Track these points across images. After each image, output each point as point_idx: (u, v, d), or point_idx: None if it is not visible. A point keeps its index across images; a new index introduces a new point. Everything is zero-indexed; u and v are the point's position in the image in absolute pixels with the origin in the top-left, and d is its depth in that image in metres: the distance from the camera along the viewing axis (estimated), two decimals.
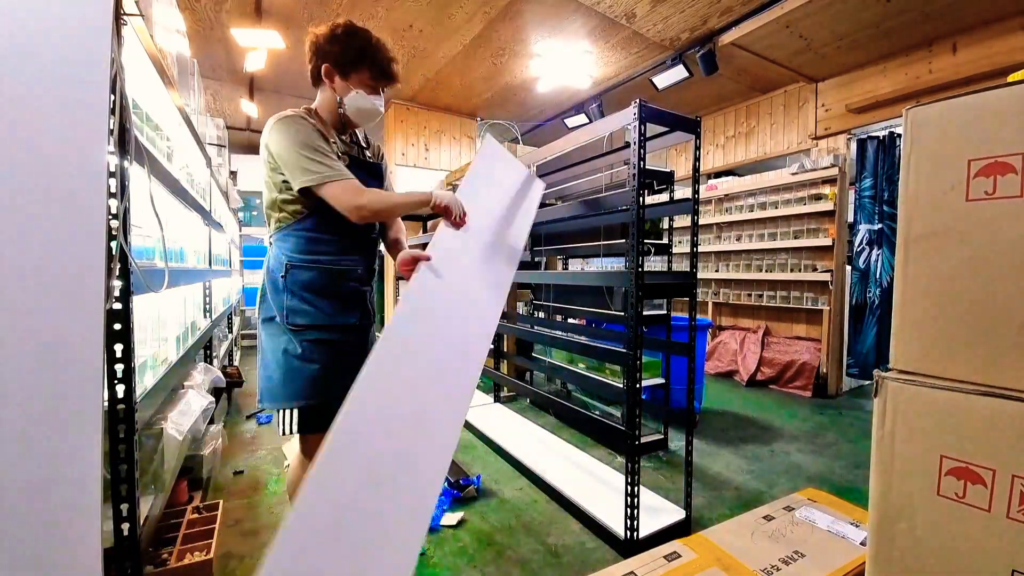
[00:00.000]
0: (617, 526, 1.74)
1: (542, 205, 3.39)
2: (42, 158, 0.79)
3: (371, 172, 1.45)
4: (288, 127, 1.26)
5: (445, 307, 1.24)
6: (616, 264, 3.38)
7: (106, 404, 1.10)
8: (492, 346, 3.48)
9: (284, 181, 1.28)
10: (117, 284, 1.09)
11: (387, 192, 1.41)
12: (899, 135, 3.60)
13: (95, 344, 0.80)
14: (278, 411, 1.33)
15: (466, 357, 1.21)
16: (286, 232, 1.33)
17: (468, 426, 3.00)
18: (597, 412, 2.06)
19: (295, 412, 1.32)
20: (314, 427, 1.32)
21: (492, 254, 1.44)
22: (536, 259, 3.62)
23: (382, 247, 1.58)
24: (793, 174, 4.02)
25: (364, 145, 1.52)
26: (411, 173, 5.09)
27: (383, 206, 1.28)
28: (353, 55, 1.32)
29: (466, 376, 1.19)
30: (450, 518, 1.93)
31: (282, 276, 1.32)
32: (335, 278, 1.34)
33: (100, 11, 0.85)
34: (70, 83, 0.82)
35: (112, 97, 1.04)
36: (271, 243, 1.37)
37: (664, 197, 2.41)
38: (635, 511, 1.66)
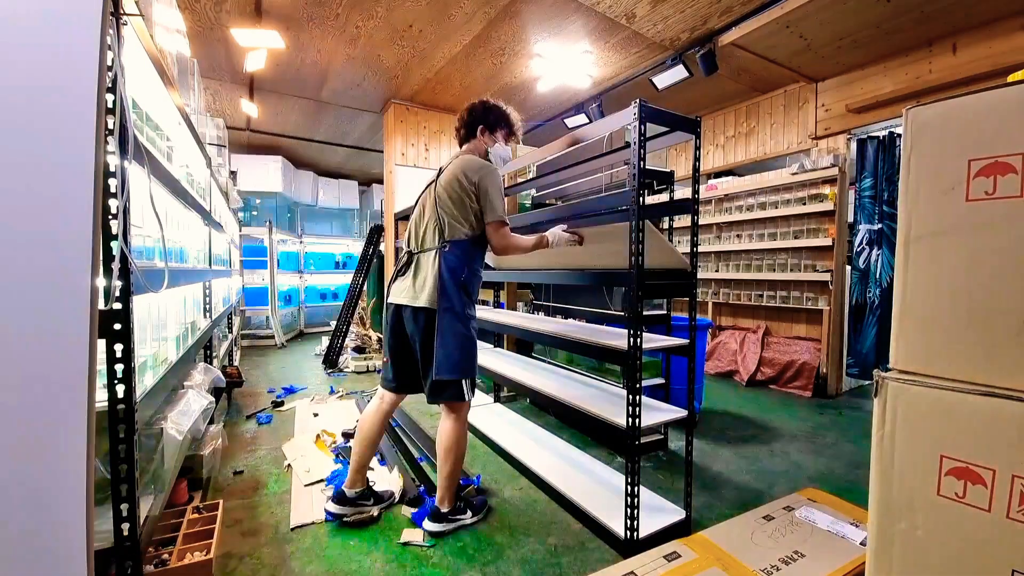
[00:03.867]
0: (617, 526, 1.74)
1: (542, 205, 3.41)
2: (32, 157, 0.79)
3: None
4: (496, 175, 1.84)
5: None
6: None
7: (106, 404, 1.10)
8: (491, 345, 3.50)
9: (479, 208, 1.81)
10: (117, 284, 1.09)
11: (522, 237, 1.93)
12: (899, 135, 3.60)
13: (82, 344, 0.80)
14: (461, 380, 1.79)
15: None
16: (467, 243, 1.82)
17: (468, 426, 2.99)
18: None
19: (470, 381, 1.83)
20: (475, 390, 1.89)
21: None
22: None
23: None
24: (793, 174, 4.02)
25: None
26: (411, 173, 5.09)
27: (521, 249, 1.90)
28: (499, 119, 1.97)
29: None
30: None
31: (464, 277, 1.80)
32: (480, 281, 1.94)
33: (90, 8, 0.84)
34: (59, 80, 0.81)
35: (112, 97, 1.04)
36: (447, 247, 1.79)
37: (664, 197, 2.41)
38: (635, 511, 1.66)
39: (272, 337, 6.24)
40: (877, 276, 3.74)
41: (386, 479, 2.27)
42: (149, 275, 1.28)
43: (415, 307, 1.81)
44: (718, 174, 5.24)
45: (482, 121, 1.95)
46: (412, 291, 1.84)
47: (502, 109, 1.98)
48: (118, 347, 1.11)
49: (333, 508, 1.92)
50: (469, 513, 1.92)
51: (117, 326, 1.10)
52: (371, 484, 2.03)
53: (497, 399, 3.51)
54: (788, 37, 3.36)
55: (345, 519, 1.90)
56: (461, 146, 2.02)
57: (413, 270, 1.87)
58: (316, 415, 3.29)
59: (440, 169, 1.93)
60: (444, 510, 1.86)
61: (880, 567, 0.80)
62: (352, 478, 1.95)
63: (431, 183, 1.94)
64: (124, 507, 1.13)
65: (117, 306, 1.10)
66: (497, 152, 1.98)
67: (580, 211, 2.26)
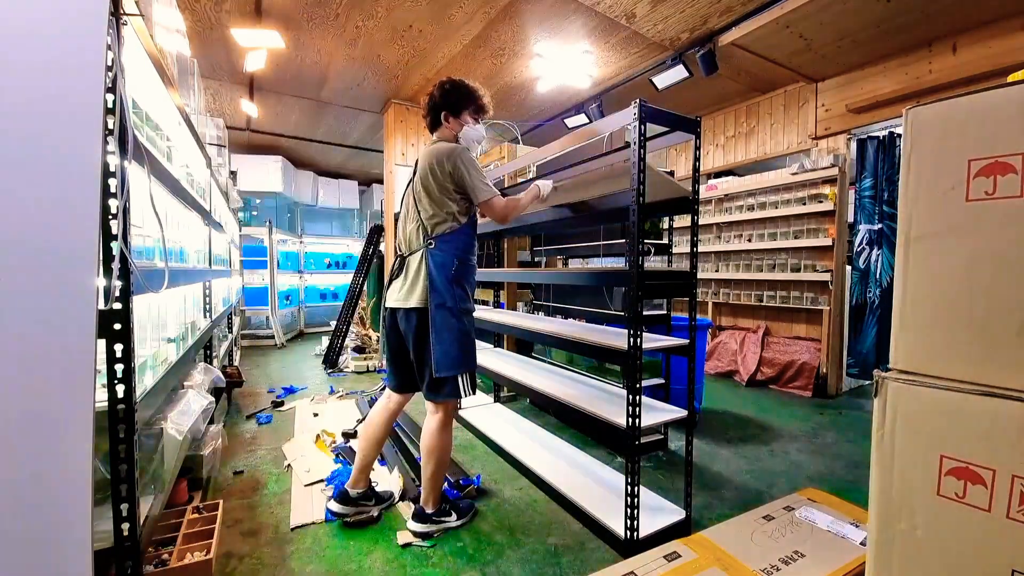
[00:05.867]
0: (617, 526, 1.74)
1: None
2: (34, 157, 0.79)
3: None
4: (467, 155, 1.78)
5: None
6: (616, 264, 3.38)
7: (106, 404, 1.10)
8: (491, 345, 3.50)
9: (461, 195, 1.79)
10: (117, 284, 1.09)
11: (515, 197, 1.92)
12: (899, 135, 3.60)
13: (86, 344, 0.80)
14: (459, 376, 1.78)
15: None
16: (454, 235, 1.80)
17: (468, 426, 2.99)
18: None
19: (468, 376, 1.82)
20: (475, 388, 1.90)
21: None
22: (536, 259, 3.62)
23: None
24: (793, 174, 4.02)
25: None
26: (411, 173, 5.09)
27: (519, 209, 1.90)
28: (460, 100, 1.86)
29: None
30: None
31: (454, 270, 1.78)
32: (475, 271, 1.88)
33: (94, 9, 0.84)
34: (63, 81, 0.81)
35: (112, 97, 1.04)
36: (433, 244, 1.78)
37: None
38: (635, 511, 1.66)
39: (272, 337, 6.23)
40: (877, 276, 3.74)
41: (386, 479, 2.27)
42: (149, 275, 1.28)
43: (407, 308, 1.81)
44: (718, 174, 5.24)
45: (444, 107, 1.86)
46: (404, 293, 1.84)
47: (465, 87, 1.87)
48: (118, 347, 1.11)
49: (335, 507, 1.92)
50: (454, 515, 1.90)
51: (117, 326, 1.10)
52: (374, 484, 2.03)
53: (497, 399, 3.51)
54: (788, 37, 3.36)
55: (347, 519, 1.89)
56: (433, 134, 1.95)
57: (404, 272, 1.87)
58: (316, 415, 3.29)
59: (416, 164, 1.91)
60: (429, 511, 1.85)
61: (880, 567, 0.79)
62: (355, 477, 1.95)
63: (410, 181, 1.92)
64: (124, 507, 1.13)
65: (117, 306, 1.10)
66: (468, 135, 1.89)
67: (580, 211, 2.26)
